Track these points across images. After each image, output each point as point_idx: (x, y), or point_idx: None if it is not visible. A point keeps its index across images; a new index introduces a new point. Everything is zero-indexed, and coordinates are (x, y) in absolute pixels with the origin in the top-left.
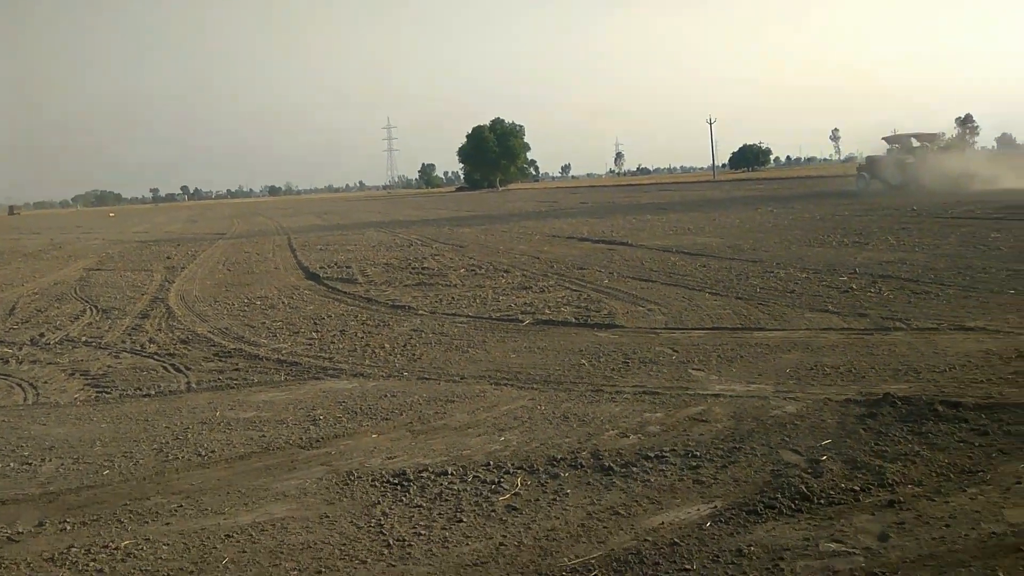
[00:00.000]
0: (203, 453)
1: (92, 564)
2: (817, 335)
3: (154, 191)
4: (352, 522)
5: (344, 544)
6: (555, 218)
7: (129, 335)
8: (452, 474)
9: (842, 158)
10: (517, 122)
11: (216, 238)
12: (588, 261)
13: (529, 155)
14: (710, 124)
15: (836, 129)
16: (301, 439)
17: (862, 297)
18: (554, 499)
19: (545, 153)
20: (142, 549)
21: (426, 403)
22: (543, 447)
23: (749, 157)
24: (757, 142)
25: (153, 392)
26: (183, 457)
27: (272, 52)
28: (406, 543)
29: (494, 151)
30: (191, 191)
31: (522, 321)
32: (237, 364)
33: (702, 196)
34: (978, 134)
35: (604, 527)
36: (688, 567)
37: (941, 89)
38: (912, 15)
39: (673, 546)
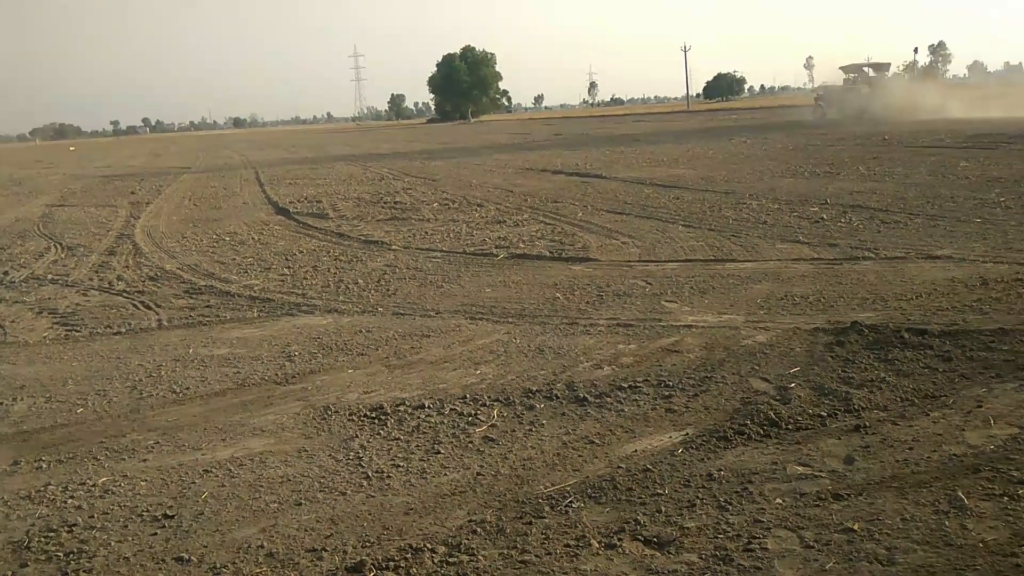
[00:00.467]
0: (178, 390)
1: (70, 501)
2: (788, 266)
3: (115, 124)
4: (331, 455)
5: (323, 477)
6: (528, 150)
7: (96, 272)
8: (429, 407)
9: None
10: (489, 51)
11: (181, 172)
12: (562, 194)
13: (501, 85)
14: (684, 52)
15: (810, 57)
16: (277, 375)
17: (832, 227)
18: (530, 430)
19: (518, 83)
20: (120, 485)
21: (402, 338)
22: (519, 379)
23: (724, 86)
24: (732, 71)
25: (124, 330)
26: (158, 394)
27: None
28: (385, 475)
29: (465, 81)
30: (153, 124)
31: (496, 255)
32: (208, 301)
33: (676, 127)
34: (950, 62)
35: (579, 456)
36: (660, 492)
37: (917, 14)
38: None
39: (646, 472)
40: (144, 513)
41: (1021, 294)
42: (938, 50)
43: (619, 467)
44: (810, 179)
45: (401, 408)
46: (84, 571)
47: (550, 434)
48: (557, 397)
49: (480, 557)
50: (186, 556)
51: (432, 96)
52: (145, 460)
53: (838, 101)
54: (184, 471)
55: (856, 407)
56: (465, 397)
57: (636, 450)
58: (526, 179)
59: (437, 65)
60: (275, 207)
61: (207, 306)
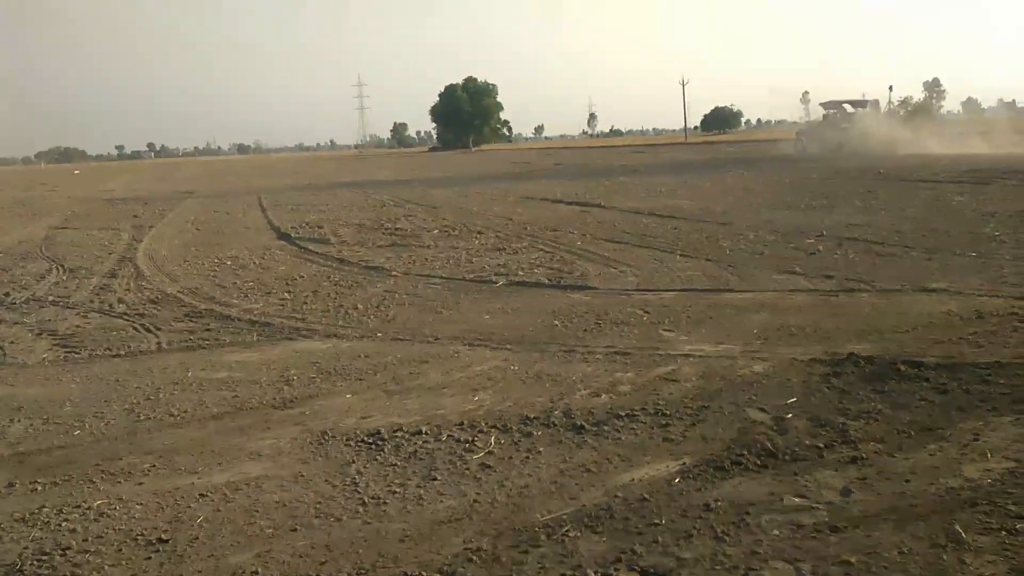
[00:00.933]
0: (175, 413)
1: (64, 524)
2: (784, 296)
3: (120, 148)
4: (327, 481)
5: (319, 502)
6: (528, 180)
7: (97, 295)
8: (426, 433)
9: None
10: (490, 81)
11: (184, 197)
12: (561, 223)
13: (502, 115)
14: (683, 86)
15: (806, 92)
16: (275, 399)
17: (828, 259)
18: (527, 457)
19: (519, 114)
20: (115, 509)
21: (400, 363)
22: (516, 406)
23: (721, 119)
24: (729, 104)
25: (123, 352)
26: (155, 417)
27: (240, 8)
28: (381, 501)
29: (467, 111)
30: (158, 148)
31: (495, 282)
32: (208, 324)
33: (674, 158)
34: (944, 98)
35: (576, 484)
36: (657, 521)
37: (912, 53)
38: None
39: (643, 501)
40: (139, 537)
41: (1017, 328)
42: (932, 86)
43: (616, 496)
44: (806, 211)
45: (398, 434)
46: None
47: (547, 462)
48: (554, 425)
49: None
50: None
51: (434, 125)
52: (141, 483)
53: (818, 136)
54: (180, 495)
55: (853, 439)
56: (463, 423)
57: (633, 479)
58: (526, 208)
59: (439, 95)
60: (277, 232)
61: (207, 329)
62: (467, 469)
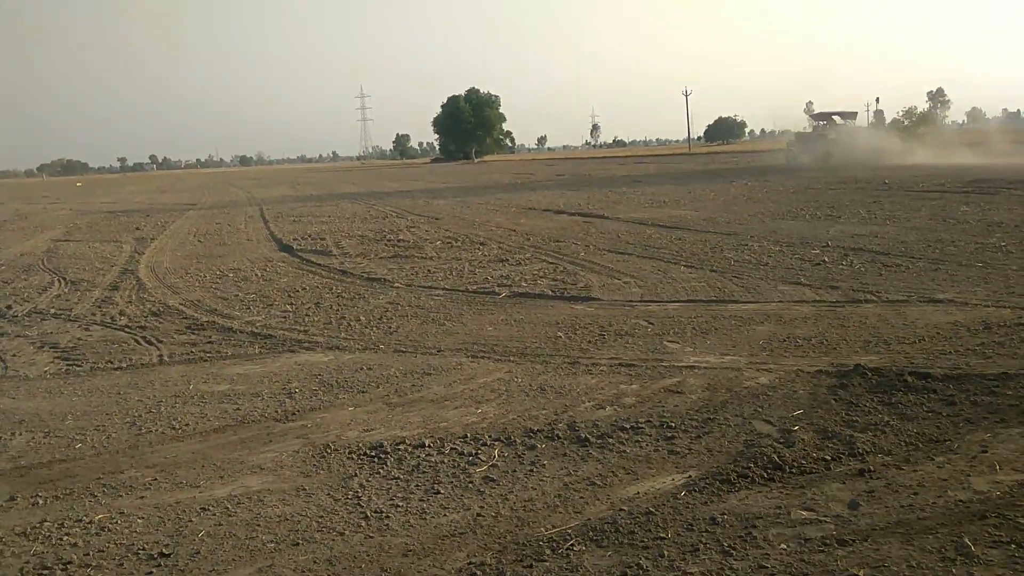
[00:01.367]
0: (177, 426)
1: (66, 538)
2: (790, 307)
3: (122, 160)
4: (329, 494)
5: (321, 516)
6: (531, 190)
7: (99, 307)
8: (429, 446)
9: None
10: (493, 92)
11: (186, 209)
12: (564, 234)
13: (505, 126)
14: (686, 96)
15: (810, 102)
16: (277, 412)
17: (834, 270)
18: (531, 470)
19: (521, 125)
20: (117, 523)
21: (403, 376)
22: (520, 419)
23: (724, 130)
24: (732, 115)
25: (125, 365)
26: (157, 430)
27: (243, 20)
28: (384, 515)
29: (469, 122)
30: (160, 160)
31: (499, 294)
32: (210, 337)
33: (678, 169)
34: (949, 108)
35: (580, 497)
36: (663, 535)
37: (917, 62)
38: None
39: (648, 515)
40: (140, 551)
41: None
42: (937, 96)
43: (621, 509)
44: (811, 222)
45: (401, 447)
46: None
47: (551, 475)
48: (559, 437)
49: None
50: None
51: (436, 136)
52: (142, 497)
53: (807, 146)
54: (181, 509)
55: (860, 451)
56: (466, 436)
57: (638, 492)
58: (529, 218)
59: (442, 106)
60: (279, 244)
61: (208, 342)
62: (470, 482)
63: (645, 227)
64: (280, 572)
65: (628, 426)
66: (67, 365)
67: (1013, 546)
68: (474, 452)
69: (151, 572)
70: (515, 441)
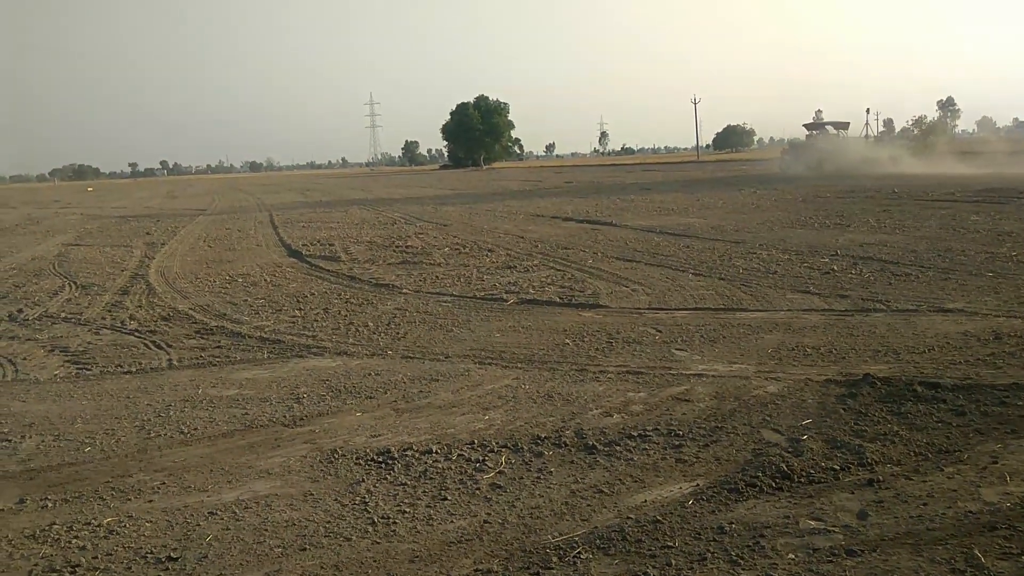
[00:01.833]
0: (185, 431)
1: (74, 541)
2: (798, 316)
3: (133, 166)
4: (336, 500)
5: (328, 521)
6: (540, 197)
7: (109, 311)
8: (436, 452)
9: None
10: (502, 100)
11: (196, 214)
12: (572, 241)
13: (513, 133)
14: (695, 104)
15: (819, 111)
16: (285, 417)
17: (843, 278)
18: (538, 477)
19: (530, 132)
20: (125, 526)
21: (410, 382)
22: (527, 426)
23: (733, 138)
24: (741, 123)
25: (134, 369)
26: (165, 435)
27: (253, 26)
28: (391, 520)
29: (478, 129)
30: (170, 166)
31: (506, 300)
32: (219, 341)
33: (686, 176)
34: (959, 117)
35: (588, 505)
36: (670, 544)
37: (928, 71)
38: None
39: (656, 524)
40: (148, 555)
41: None
42: (946, 105)
43: (628, 517)
44: (820, 230)
45: (408, 453)
46: None
47: (558, 482)
48: (566, 444)
49: None
50: None
51: (445, 143)
52: (151, 501)
53: (800, 155)
54: (189, 513)
55: (869, 461)
56: (473, 443)
57: (646, 500)
58: (537, 225)
59: (451, 113)
60: (288, 249)
61: (217, 347)
62: (477, 489)
63: (653, 234)
64: None
65: (636, 434)
66: (77, 369)
67: None
68: (481, 459)
69: None
70: (522, 448)
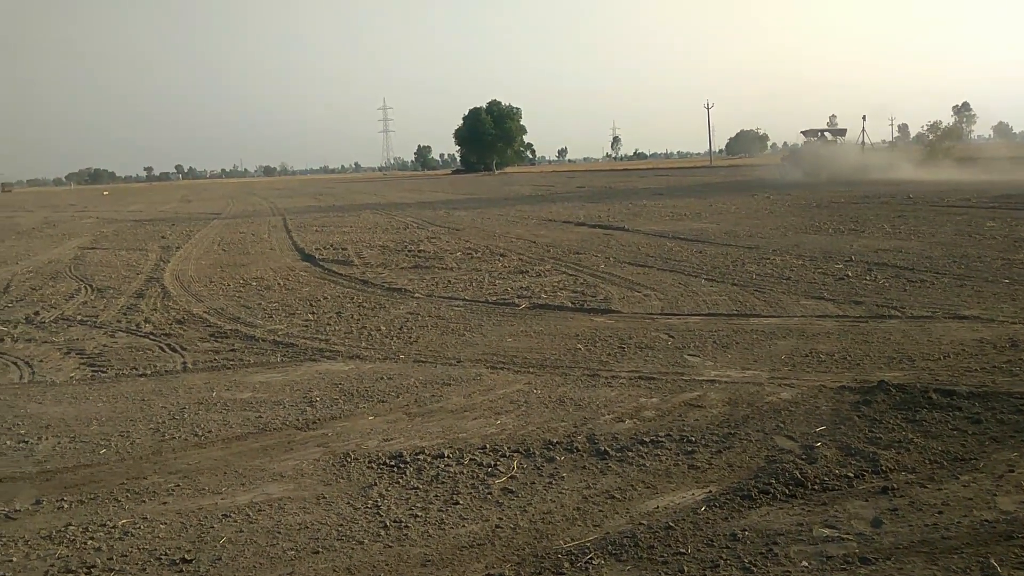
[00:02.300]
0: (200, 433)
1: (90, 543)
2: (812, 322)
3: (148, 170)
4: (349, 503)
5: (341, 525)
6: (552, 202)
7: (124, 314)
8: (448, 456)
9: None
10: (514, 104)
11: (211, 218)
12: (585, 246)
13: (526, 138)
14: (707, 109)
15: (833, 116)
16: (298, 420)
17: (857, 285)
18: (550, 482)
19: (542, 137)
20: (139, 528)
21: (423, 386)
22: (539, 431)
23: (746, 142)
24: (755, 128)
25: (149, 372)
26: (180, 437)
27: (268, 31)
28: (402, 524)
29: (491, 133)
30: (185, 170)
31: (518, 305)
32: (233, 345)
33: (699, 181)
34: (975, 123)
35: (600, 511)
36: (683, 551)
37: (942, 76)
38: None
39: (668, 530)
40: (163, 556)
41: None
42: (962, 111)
43: (641, 524)
44: (834, 236)
45: (420, 457)
46: None
47: (570, 487)
48: (578, 450)
49: None
50: None
51: (458, 148)
52: (165, 503)
53: (798, 161)
54: (203, 515)
55: (884, 468)
56: (485, 447)
57: (658, 507)
58: (549, 230)
59: (463, 118)
60: (301, 253)
61: (231, 350)
62: (489, 493)
63: (666, 240)
64: None
65: (648, 439)
66: (92, 371)
67: None
68: (493, 463)
69: None
70: (534, 453)
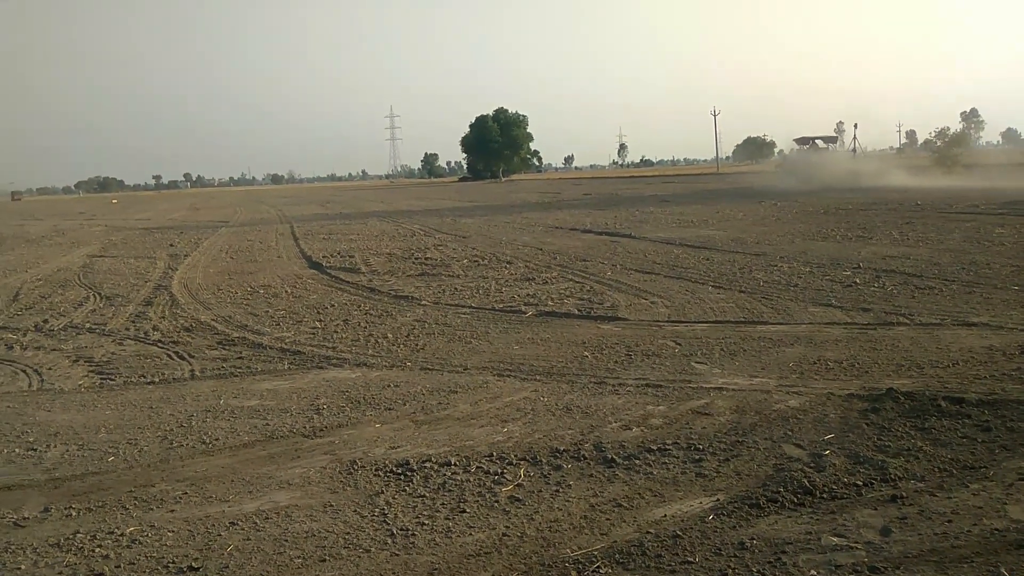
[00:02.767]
0: (207, 441)
1: (98, 550)
2: (820, 329)
3: (157, 178)
4: (356, 511)
5: (348, 533)
6: (558, 209)
7: (133, 322)
8: (455, 464)
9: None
10: (521, 112)
11: (219, 226)
12: (591, 253)
13: (532, 146)
14: (714, 116)
15: (841, 122)
16: (305, 428)
17: (865, 292)
18: (557, 490)
19: (548, 144)
20: (147, 536)
21: (429, 393)
22: (546, 438)
23: (753, 149)
24: (761, 135)
25: (157, 379)
26: (187, 445)
27: (275, 40)
28: (409, 532)
29: (497, 141)
30: (194, 178)
31: (525, 312)
32: (241, 352)
33: (705, 188)
34: (983, 128)
35: (607, 519)
36: (690, 559)
37: (951, 83)
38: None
39: (676, 538)
40: (170, 564)
41: None
42: (970, 117)
43: (648, 532)
44: (842, 243)
45: (427, 465)
46: None
47: (577, 496)
48: (585, 458)
49: None
50: None
51: (464, 155)
52: (173, 511)
53: (792, 168)
54: (211, 523)
55: (892, 477)
56: (492, 455)
57: (665, 515)
58: (555, 237)
59: (470, 125)
60: (309, 261)
61: (239, 357)
62: (496, 502)
63: (672, 247)
64: None
65: (655, 447)
66: (101, 379)
67: None
68: (500, 471)
69: None
70: (541, 461)
